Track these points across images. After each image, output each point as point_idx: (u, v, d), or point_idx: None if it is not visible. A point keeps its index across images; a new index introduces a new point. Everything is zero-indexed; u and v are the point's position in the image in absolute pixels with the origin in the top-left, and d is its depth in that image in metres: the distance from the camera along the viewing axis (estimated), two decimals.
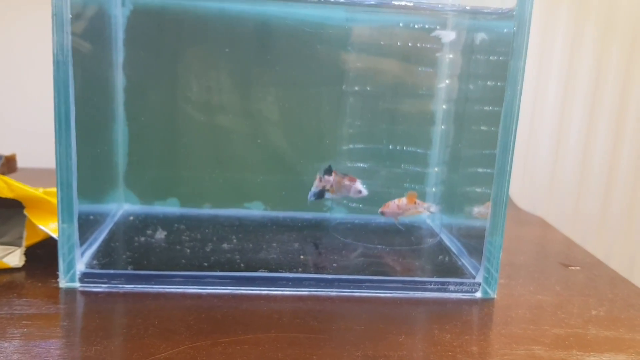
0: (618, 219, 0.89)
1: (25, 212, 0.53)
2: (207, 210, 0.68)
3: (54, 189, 0.51)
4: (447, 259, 0.58)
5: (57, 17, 0.45)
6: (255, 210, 0.69)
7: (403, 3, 0.55)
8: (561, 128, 0.91)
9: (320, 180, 0.62)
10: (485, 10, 0.55)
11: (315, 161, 0.68)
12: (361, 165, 0.66)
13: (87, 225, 0.55)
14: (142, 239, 0.58)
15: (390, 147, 0.65)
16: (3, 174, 0.70)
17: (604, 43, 0.87)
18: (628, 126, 0.88)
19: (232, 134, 0.67)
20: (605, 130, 0.89)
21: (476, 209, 0.59)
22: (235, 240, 0.59)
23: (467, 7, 0.58)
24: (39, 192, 0.53)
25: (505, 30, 0.52)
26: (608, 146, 0.89)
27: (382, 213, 0.61)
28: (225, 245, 0.57)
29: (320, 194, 0.63)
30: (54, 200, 0.53)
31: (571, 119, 0.91)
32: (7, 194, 0.51)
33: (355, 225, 0.66)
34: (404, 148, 0.65)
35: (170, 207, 0.68)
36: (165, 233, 0.59)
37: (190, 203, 0.68)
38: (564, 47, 0.90)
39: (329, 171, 0.62)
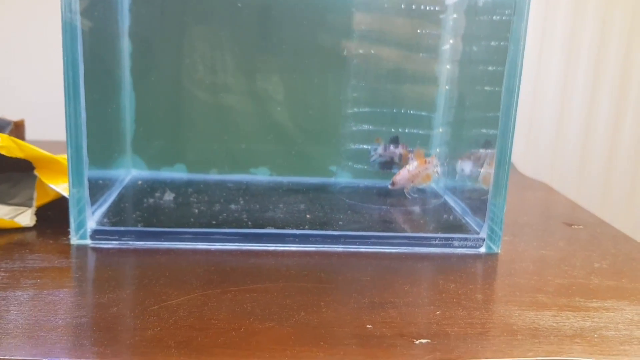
0: (622, 182, 0.89)
1: (36, 172, 0.54)
2: (213, 176, 0.69)
3: (64, 155, 0.51)
4: (451, 217, 0.59)
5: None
6: (261, 176, 0.69)
7: None
8: (564, 94, 0.91)
9: (385, 150, 0.63)
10: None
11: (321, 126, 0.68)
12: (366, 127, 0.66)
13: (96, 187, 0.56)
14: (151, 200, 0.59)
15: (394, 110, 0.66)
16: None
17: (608, 2, 0.87)
18: (632, 89, 0.88)
19: (238, 102, 0.68)
20: (608, 95, 0.89)
21: (482, 170, 0.60)
22: (242, 202, 0.60)
23: None
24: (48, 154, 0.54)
25: None
26: (611, 111, 0.89)
27: (393, 184, 0.62)
28: (232, 206, 0.58)
29: (386, 165, 0.64)
30: (64, 161, 0.53)
31: (575, 84, 0.91)
32: (18, 153, 0.52)
33: (360, 188, 0.67)
34: (409, 111, 0.66)
35: (177, 173, 0.68)
36: (173, 195, 0.60)
37: (197, 169, 0.69)
38: (568, 6, 0.90)
39: (395, 142, 0.63)
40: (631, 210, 0.90)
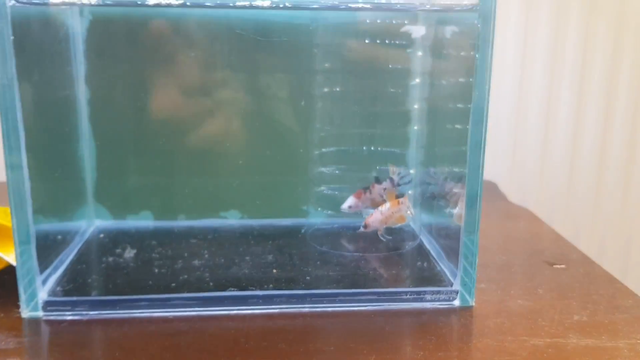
0: (611, 211, 0.87)
1: None
2: (181, 223, 0.66)
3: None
4: (425, 264, 0.56)
5: None
6: (231, 220, 0.67)
7: (366, 4, 0.53)
8: (549, 116, 0.89)
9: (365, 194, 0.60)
10: (450, 9, 0.53)
11: (291, 166, 0.66)
12: (335, 168, 0.64)
13: (52, 247, 0.53)
14: (110, 259, 0.56)
15: (364, 148, 0.63)
16: None
17: (589, 28, 0.85)
18: (619, 108, 0.85)
19: (205, 144, 0.65)
20: (594, 117, 0.86)
21: (456, 209, 0.57)
22: (206, 256, 0.57)
23: (428, 6, 0.55)
24: None
25: (474, 22, 0.49)
26: (598, 132, 0.87)
27: (366, 226, 0.59)
28: (196, 262, 0.56)
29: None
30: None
31: (559, 105, 0.88)
32: None
33: (334, 230, 0.64)
34: (379, 149, 0.63)
35: (143, 221, 0.66)
36: (134, 251, 0.57)
37: (164, 215, 0.67)
38: (549, 33, 0.87)
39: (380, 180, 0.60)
40: (620, 232, 0.87)
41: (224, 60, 0.61)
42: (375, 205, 0.60)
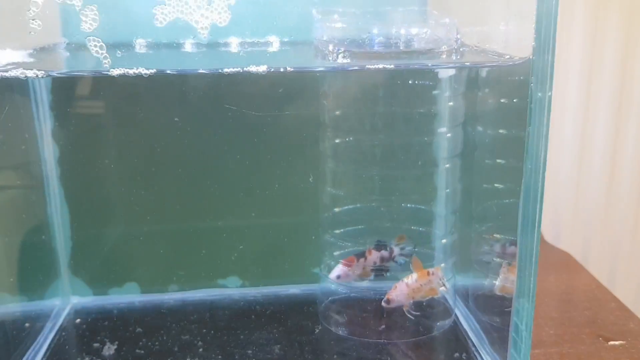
0: None
1: None
2: (173, 295, 0.57)
3: None
4: (464, 355, 0.47)
5: None
6: (231, 289, 0.58)
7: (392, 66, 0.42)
8: (584, 146, 0.79)
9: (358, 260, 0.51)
10: (493, 64, 0.43)
11: (298, 223, 0.57)
12: (351, 227, 0.54)
13: (16, 339, 0.44)
14: (86, 359, 0.47)
15: (382, 208, 0.53)
16: None
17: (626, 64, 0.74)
18: None
19: (197, 203, 0.56)
20: (632, 143, 0.76)
21: (498, 280, 0.48)
22: (201, 350, 0.48)
23: (467, 64, 0.45)
24: None
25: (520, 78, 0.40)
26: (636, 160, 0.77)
27: (389, 302, 0.50)
28: None
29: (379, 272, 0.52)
30: None
31: (595, 133, 0.78)
32: None
33: (351, 301, 0.55)
34: (403, 205, 0.54)
35: (127, 295, 0.57)
36: (115, 347, 0.48)
37: (152, 287, 0.57)
38: (582, 69, 0.77)
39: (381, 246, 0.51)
40: None
41: (214, 111, 0.52)
42: (366, 275, 0.51)
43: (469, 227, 0.51)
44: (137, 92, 0.50)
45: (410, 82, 0.51)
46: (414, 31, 0.48)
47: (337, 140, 0.52)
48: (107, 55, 0.34)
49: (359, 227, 0.54)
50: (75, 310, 0.55)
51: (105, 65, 0.35)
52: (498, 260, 0.49)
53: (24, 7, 0.40)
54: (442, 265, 0.51)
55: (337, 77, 0.50)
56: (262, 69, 0.36)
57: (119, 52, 0.35)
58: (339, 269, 0.52)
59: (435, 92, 0.51)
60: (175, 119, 0.49)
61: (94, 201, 0.55)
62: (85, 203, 0.55)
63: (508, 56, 0.41)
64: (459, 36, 0.47)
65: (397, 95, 0.52)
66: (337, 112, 0.51)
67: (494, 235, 0.49)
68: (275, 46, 0.45)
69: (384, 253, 0.52)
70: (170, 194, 0.55)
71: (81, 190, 0.55)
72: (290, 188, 0.54)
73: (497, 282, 0.49)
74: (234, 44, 0.43)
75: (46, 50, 0.46)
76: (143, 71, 0.34)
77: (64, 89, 0.51)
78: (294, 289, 0.58)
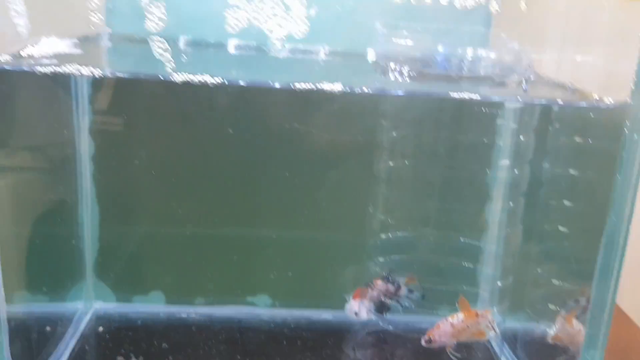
0: None
1: None
2: (199, 309, 0.54)
3: None
4: None
5: None
6: (260, 308, 0.54)
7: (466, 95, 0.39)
8: None
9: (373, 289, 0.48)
10: (589, 105, 0.39)
11: (336, 248, 0.53)
12: (397, 257, 0.51)
13: (36, 346, 0.41)
14: None
15: (431, 238, 0.50)
16: None
17: None
18: None
19: (230, 215, 0.53)
20: None
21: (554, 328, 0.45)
22: None
23: (559, 101, 0.42)
24: None
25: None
26: None
27: (430, 341, 0.46)
28: None
29: (381, 308, 0.49)
30: None
31: None
32: None
33: (388, 334, 0.51)
34: (455, 239, 0.51)
35: (152, 305, 0.54)
36: None
37: (178, 298, 0.54)
38: None
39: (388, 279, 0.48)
40: None
41: (267, 129, 0.49)
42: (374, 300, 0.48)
43: (525, 269, 0.48)
44: (187, 95, 0.47)
45: (474, 109, 0.48)
46: (481, 54, 0.45)
47: (391, 164, 0.48)
48: (172, 60, 0.31)
49: (405, 256, 0.51)
50: (97, 317, 0.52)
51: (168, 69, 0.32)
52: (555, 307, 0.45)
53: None
54: (494, 309, 0.48)
55: (398, 97, 0.47)
56: (337, 87, 0.32)
57: (184, 56, 0.32)
58: (354, 305, 0.48)
59: (499, 121, 0.48)
60: (230, 131, 0.46)
61: (126, 202, 0.53)
62: (116, 204, 0.52)
63: (597, 97, 0.37)
64: (529, 64, 0.44)
65: (458, 120, 0.49)
66: (394, 134, 0.48)
67: (553, 280, 0.46)
68: (322, 55, 0.42)
69: (390, 287, 0.49)
70: (205, 203, 0.53)
71: (113, 190, 0.52)
72: (337, 209, 0.51)
73: (552, 331, 0.45)
74: (284, 50, 0.40)
75: (90, 40, 0.43)
76: (208, 80, 0.31)
77: (107, 84, 0.48)
78: (326, 314, 0.55)
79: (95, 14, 0.40)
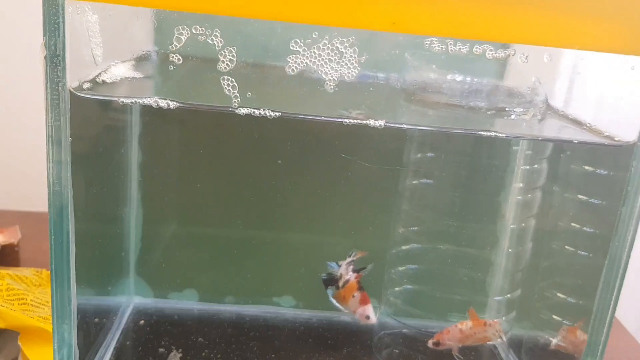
0: None
1: (19, 342, 0.44)
2: (228, 307, 0.58)
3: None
4: None
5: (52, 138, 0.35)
6: (284, 308, 0.59)
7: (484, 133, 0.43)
8: None
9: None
10: (599, 143, 0.44)
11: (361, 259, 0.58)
12: (414, 267, 0.56)
13: (89, 333, 0.46)
14: None
15: (447, 250, 0.55)
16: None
17: None
18: None
19: (262, 220, 0.58)
20: None
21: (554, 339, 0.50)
22: None
23: (576, 141, 0.46)
24: (35, 319, 0.44)
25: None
26: None
27: (438, 344, 0.51)
28: None
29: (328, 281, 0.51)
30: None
31: None
32: None
33: (404, 337, 0.56)
34: (469, 252, 0.55)
35: (186, 302, 0.58)
36: (180, 355, 0.50)
37: (209, 296, 0.59)
38: None
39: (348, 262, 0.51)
40: None
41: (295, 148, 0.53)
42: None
43: (533, 283, 0.52)
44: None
45: (493, 135, 0.52)
46: (500, 86, 0.50)
47: (414, 182, 0.53)
48: (238, 96, 0.36)
49: (421, 267, 0.56)
50: (137, 311, 0.56)
51: (234, 104, 0.36)
52: (559, 319, 0.50)
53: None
54: (503, 319, 0.52)
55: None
56: (380, 123, 0.37)
57: (249, 93, 0.36)
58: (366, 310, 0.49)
59: (515, 147, 0.53)
60: (279, 162, 0.51)
61: (166, 207, 0.57)
62: (158, 208, 0.57)
63: (607, 134, 0.42)
64: (546, 100, 0.49)
65: (477, 145, 0.53)
66: (419, 155, 0.53)
67: (558, 294, 0.50)
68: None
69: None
70: (237, 209, 0.57)
71: (156, 195, 0.56)
72: (363, 219, 0.56)
73: (555, 340, 0.50)
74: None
75: (144, 59, 0.48)
76: (268, 113, 0.36)
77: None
78: (345, 316, 0.59)
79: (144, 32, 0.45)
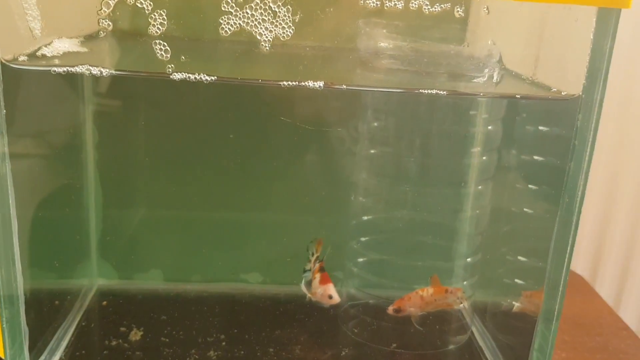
0: None
1: None
2: (195, 286, 0.58)
3: None
4: None
5: None
6: (252, 285, 0.59)
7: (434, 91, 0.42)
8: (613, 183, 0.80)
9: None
10: (543, 98, 0.44)
11: (320, 229, 0.58)
12: (378, 237, 0.55)
13: (47, 316, 0.46)
14: (114, 342, 0.48)
15: (411, 218, 0.54)
16: None
17: None
18: None
19: (226, 198, 0.57)
20: None
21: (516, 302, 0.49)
22: (224, 344, 0.49)
23: (518, 95, 0.46)
24: None
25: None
26: None
27: (398, 310, 0.51)
28: (212, 353, 0.48)
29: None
30: None
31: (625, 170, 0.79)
32: None
33: (369, 308, 0.56)
34: (429, 220, 0.55)
35: (151, 282, 0.58)
36: (141, 334, 0.49)
37: (175, 276, 0.59)
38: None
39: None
40: None
41: (254, 121, 0.53)
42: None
43: (494, 247, 0.52)
44: (184, 87, 0.51)
45: (450, 100, 0.52)
46: (457, 51, 0.49)
47: (372, 151, 0.53)
48: (172, 65, 0.35)
49: (383, 236, 0.55)
50: (101, 292, 0.56)
51: (169, 70, 0.36)
52: (520, 282, 0.50)
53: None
54: (465, 283, 0.52)
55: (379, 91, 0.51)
56: (319, 84, 0.36)
57: (183, 57, 0.36)
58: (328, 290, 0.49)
59: (472, 112, 0.52)
60: (230, 136, 0.50)
61: (127, 188, 0.57)
62: (118, 189, 0.56)
63: (555, 89, 0.41)
64: (500, 60, 0.48)
65: (434, 112, 0.52)
66: (375, 124, 0.52)
67: (519, 257, 0.50)
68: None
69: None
70: (201, 189, 0.57)
71: (115, 176, 0.56)
72: (322, 193, 0.55)
73: (517, 304, 0.50)
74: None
75: (93, 38, 0.47)
76: (204, 77, 0.35)
77: (109, 78, 0.52)
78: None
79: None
